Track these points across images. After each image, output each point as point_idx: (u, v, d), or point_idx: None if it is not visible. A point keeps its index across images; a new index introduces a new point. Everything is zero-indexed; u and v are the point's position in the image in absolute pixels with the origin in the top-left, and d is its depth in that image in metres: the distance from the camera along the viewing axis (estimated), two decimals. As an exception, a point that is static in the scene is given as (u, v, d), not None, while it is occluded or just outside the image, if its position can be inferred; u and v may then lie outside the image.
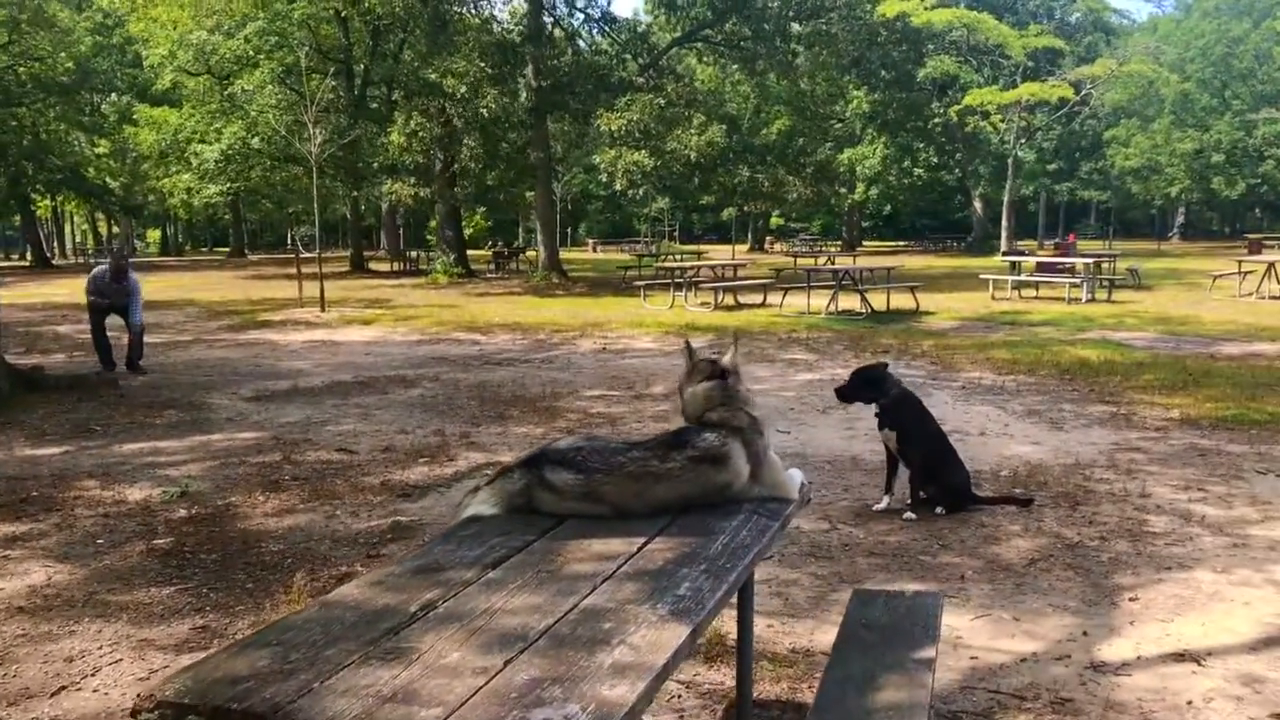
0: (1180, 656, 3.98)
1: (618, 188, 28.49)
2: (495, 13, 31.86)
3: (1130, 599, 4.55)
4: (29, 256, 47.68)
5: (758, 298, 21.65)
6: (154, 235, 79.30)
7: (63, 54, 46.84)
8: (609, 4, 71.21)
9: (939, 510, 5.79)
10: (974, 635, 4.18)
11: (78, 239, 73.68)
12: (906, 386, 6.19)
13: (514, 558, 2.48)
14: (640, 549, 2.55)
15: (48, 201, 56.68)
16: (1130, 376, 10.59)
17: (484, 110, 25.00)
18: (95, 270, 12.44)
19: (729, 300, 20.92)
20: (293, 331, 16.30)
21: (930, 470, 5.80)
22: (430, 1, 27.99)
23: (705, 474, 2.85)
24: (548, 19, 30.95)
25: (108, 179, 52.91)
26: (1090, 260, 23.39)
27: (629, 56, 30.90)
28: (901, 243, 67.71)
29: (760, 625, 4.25)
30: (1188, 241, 63.96)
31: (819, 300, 19.11)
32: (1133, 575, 4.85)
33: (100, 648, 4.03)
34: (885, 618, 3.14)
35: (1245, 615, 4.38)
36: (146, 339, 12.49)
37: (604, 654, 1.91)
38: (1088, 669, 3.87)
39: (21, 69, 45.57)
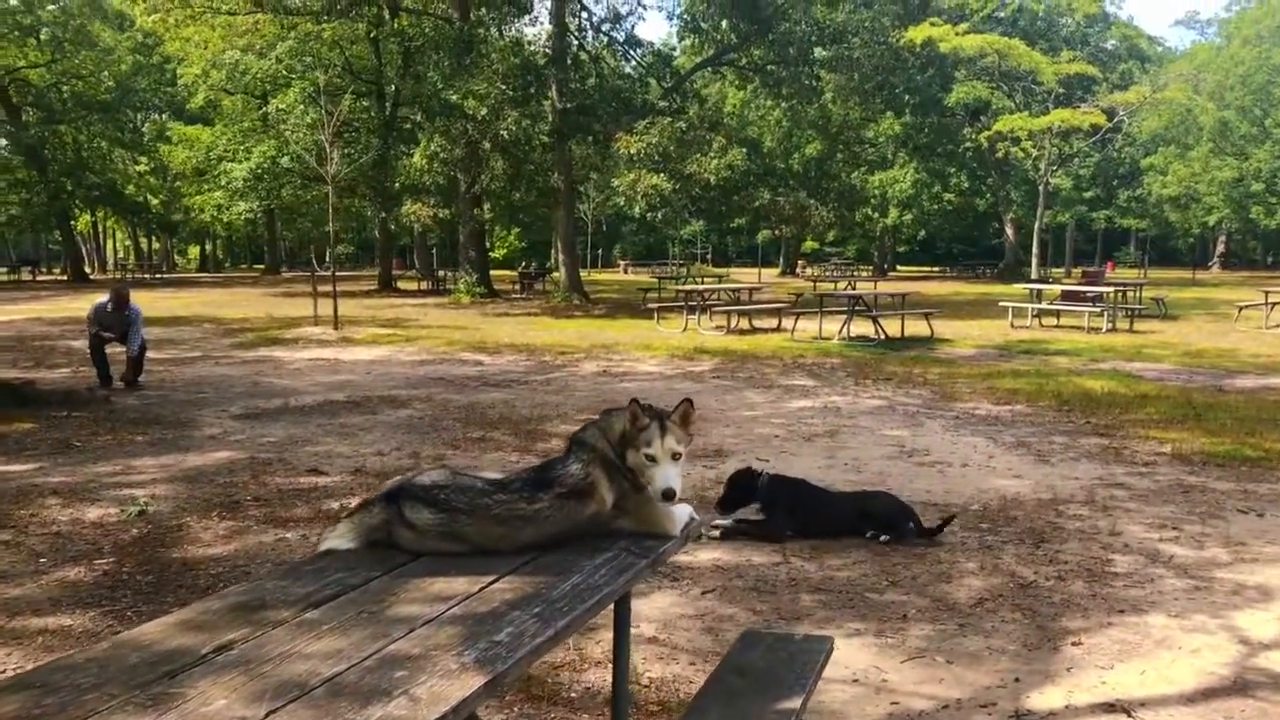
0: (1111, 707, 3.82)
1: (636, 211, 28.49)
2: (521, 35, 31.93)
3: (1073, 643, 4.39)
4: (68, 271, 48.35)
5: (773, 322, 21.49)
6: (193, 251, 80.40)
7: (104, 73, 47.75)
8: (633, 28, 71.73)
9: (883, 538, 5.70)
10: (901, 679, 4.04)
11: (119, 254, 74.71)
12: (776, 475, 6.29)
13: (344, 596, 2.39)
14: (482, 589, 2.45)
15: (87, 217, 57.60)
16: (1131, 409, 10.36)
17: (504, 132, 25.09)
18: (97, 302, 12.47)
19: (743, 324, 20.79)
20: (300, 350, 16.35)
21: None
22: (457, 23, 28.24)
23: (573, 509, 2.75)
24: (573, 41, 31.07)
25: (148, 196, 53.74)
26: (1113, 289, 23.02)
27: (652, 80, 30.95)
28: (935, 268, 67.26)
29: (675, 668, 4.14)
30: (1228, 271, 63.02)
31: (833, 325, 18.94)
32: (1082, 618, 4.68)
33: (2, 673, 3.98)
34: (763, 663, 3.02)
35: (1189, 664, 4.20)
36: (154, 355, 12.56)
37: (377, 706, 1.81)
38: (1011, 718, 3.72)
39: (65, 87, 46.47)
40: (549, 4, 30.28)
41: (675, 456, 2.78)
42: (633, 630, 4.46)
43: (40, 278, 48.49)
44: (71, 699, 1.81)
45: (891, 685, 3.98)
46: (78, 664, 1.99)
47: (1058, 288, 26.18)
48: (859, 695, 3.89)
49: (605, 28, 32.46)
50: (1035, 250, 46.66)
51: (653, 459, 2.76)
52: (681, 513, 2.98)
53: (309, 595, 2.39)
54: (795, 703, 2.73)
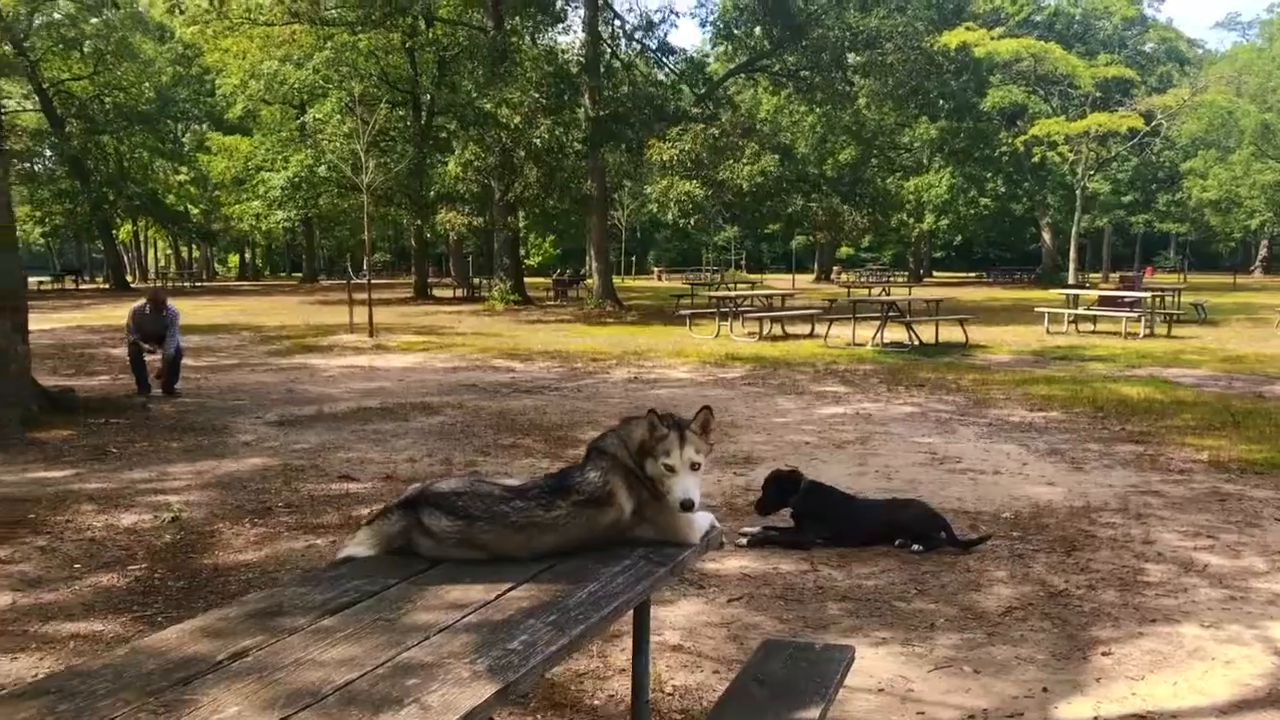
0: (1141, 718, 3.76)
1: (669, 217, 28.53)
2: (554, 44, 32.07)
3: (1103, 653, 4.33)
4: (110, 279, 49.08)
5: (806, 328, 21.41)
6: (233, 260, 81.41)
7: (145, 84, 48.47)
8: (666, 35, 71.68)
9: (915, 548, 5.65)
10: (927, 688, 4.00)
11: (160, 262, 75.69)
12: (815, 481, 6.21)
13: (360, 603, 2.40)
14: (498, 597, 2.46)
15: (129, 226, 58.43)
16: (1167, 416, 10.22)
17: (537, 140, 25.20)
18: (135, 306, 12.64)
19: (776, 330, 20.73)
20: (335, 357, 16.48)
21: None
22: (491, 32, 28.41)
23: (591, 517, 2.75)
24: (606, 49, 31.15)
25: (188, 205, 54.45)
26: (1151, 294, 22.74)
27: (685, 86, 30.96)
28: (971, 274, 66.78)
29: (699, 676, 4.12)
30: (1270, 276, 62.11)
31: (867, 332, 18.84)
32: (1113, 628, 4.61)
33: (34, 677, 4.03)
34: (783, 672, 3.00)
35: (1223, 676, 4.13)
36: (191, 362, 12.69)
37: (388, 714, 1.82)
38: (1038, 729, 3.68)
39: (107, 98, 47.24)
40: (582, 12, 30.41)
41: (694, 466, 2.77)
42: (657, 638, 4.46)
43: (83, 286, 49.23)
44: (86, 705, 1.83)
45: (917, 695, 3.94)
46: (94, 670, 2.01)
47: (1094, 293, 25.92)
48: (884, 705, 3.86)
49: (638, 35, 32.54)
50: (1072, 255, 46.22)
51: (671, 469, 2.75)
52: (702, 521, 2.96)
53: (326, 602, 2.40)
54: (814, 712, 2.71)
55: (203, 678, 1.97)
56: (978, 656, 4.30)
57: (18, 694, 1.91)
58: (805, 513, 5.93)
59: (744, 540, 5.90)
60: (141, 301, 12.64)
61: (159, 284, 50.79)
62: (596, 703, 3.87)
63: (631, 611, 3.05)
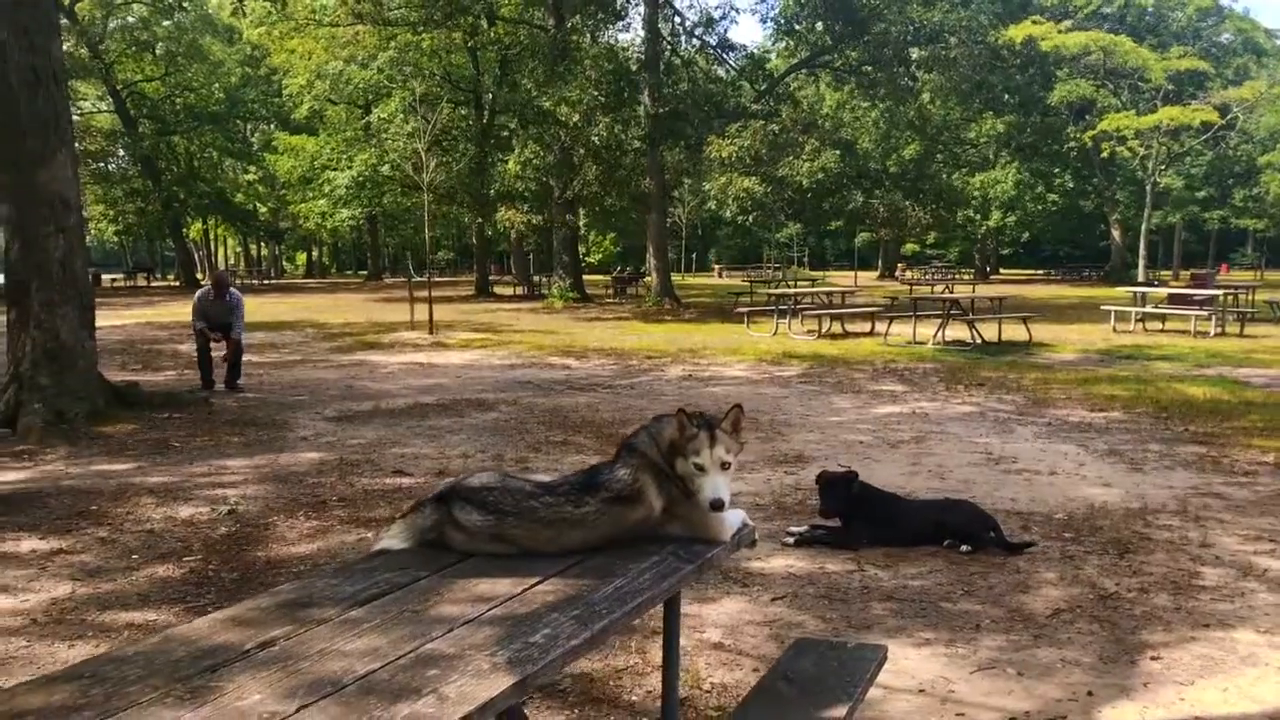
0: (1188, 725, 3.69)
1: (728, 214, 28.46)
2: (614, 42, 32.14)
3: (1152, 657, 4.25)
4: (180, 276, 50.20)
5: (866, 326, 21.24)
6: (300, 258, 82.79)
7: (215, 85, 49.52)
8: (725, 31, 71.35)
9: (963, 549, 5.59)
10: (969, 689, 3.96)
11: (229, 260, 77.21)
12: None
13: (389, 595, 2.44)
14: (524, 591, 2.48)
15: (199, 224, 59.72)
16: (1234, 416, 9.98)
17: (595, 138, 25.28)
18: (199, 291, 12.96)
19: (835, 328, 20.58)
20: (395, 354, 16.70)
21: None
22: (552, 30, 28.56)
23: (620, 514, 2.76)
24: (665, 46, 31.14)
25: (256, 204, 55.51)
26: (1223, 292, 22.17)
27: (745, 83, 30.84)
28: (1039, 271, 65.70)
29: (737, 674, 4.12)
30: (1353, 273, 60.25)
31: (929, 330, 18.64)
32: (1164, 631, 4.52)
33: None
34: (813, 670, 2.98)
35: (1277, 682, 4.03)
36: (255, 358, 12.95)
37: (405, 704, 1.85)
38: (1081, 734, 3.62)
39: (178, 99, 48.33)
40: (642, 10, 30.43)
41: (724, 465, 2.77)
42: (699, 635, 4.48)
43: (154, 283, 50.40)
44: (116, 690, 1.89)
45: (958, 696, 3.90)
46: (127, 656, 2.07)
47: (1163, 290, 25.34)
48: (923, 705, 3.83)
49: (698, 32, 32.48)
50: (1142, 252, 45.23)
51: (701, 468, 2.75)
52: (733, 519, 2.95)
53: (356, 594, 2.45)
54: (841, 711, 2.69)
55: (229, 665, 2.02)
56: (1022, 659, 4.25)
57: (54, 678, 1.98)
58: (853, 513, 5.89)
59: (791, 540, 5.87)
60: (206, 286, 12.95)
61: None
62: (634, 698, 3.89)
63: (665, 608, 3.09)
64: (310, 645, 2.13)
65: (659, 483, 2.79)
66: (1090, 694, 3.91)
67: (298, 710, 1.82)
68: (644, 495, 2.77)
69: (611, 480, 2.77)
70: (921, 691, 3.95)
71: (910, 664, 4.19)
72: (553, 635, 2.21)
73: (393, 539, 2.83)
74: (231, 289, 12.80)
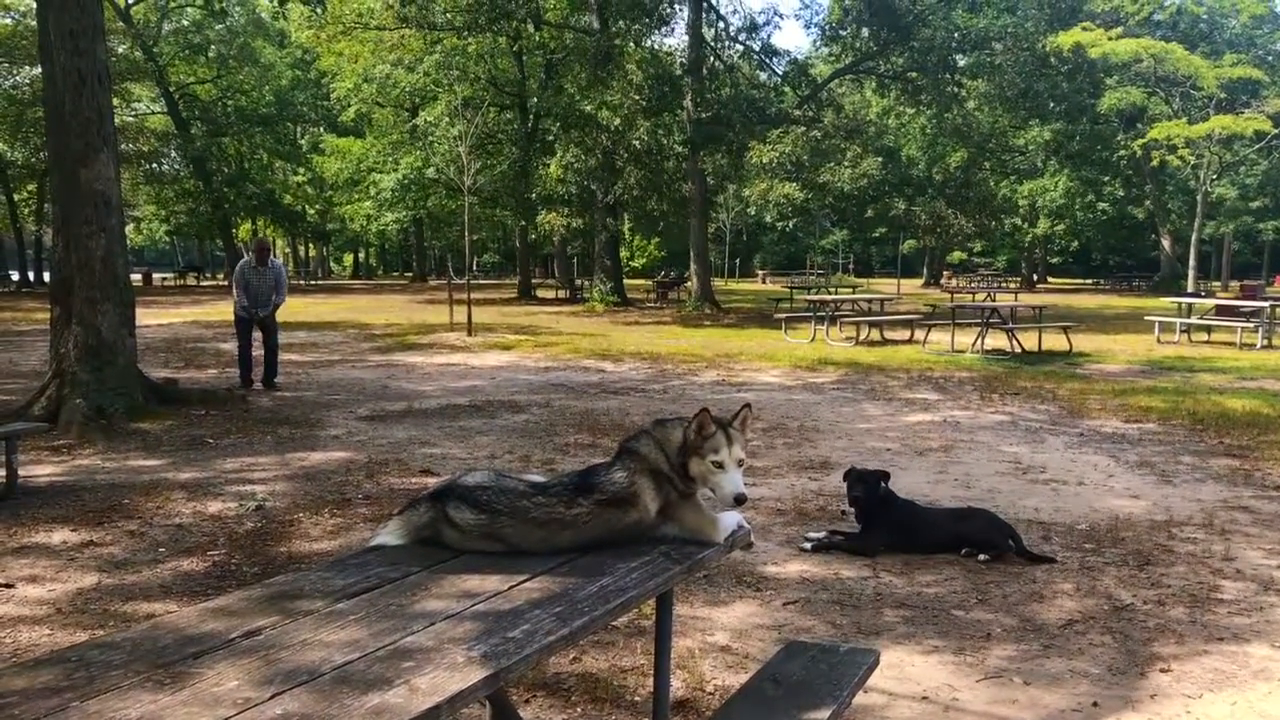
0: (1193, 739, 3.66)
1: (768, 219, 28.40)
2: (658, 46, 32.18)
3: (1162, 670, 4.21)
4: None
5: (905, 334, 21.10)
6: (348, 259, 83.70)
7: (265, 87, 50.26)
8: (769, 37, 70.88)
9: (981, 557, 5.56)
10: (972, 698, 3.95)
11: (278, 260, 78.06)
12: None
13: (378, 589, 2.49)
14: (511, 587, 2.52)
15: (248, 224, 60.58)
16: (1271, 430, 9.81)
17: (636, 142, 25.35)
18: (241, 261, 13.12)
19: (874, 335, 20.48)
20: (433, 355, 16.85)
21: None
22: (597, 34, 28.67)
23: (613, 517, 2.80)
24: (709, 51, 31.14)
25: (304, 205, 56.23)
26: (1270, 304, 21.77)
27: (788, 89, 30.76)
28: (1088, 281, 64.86)
29: (742, 676, 4.13)
30: None
31: (969, 338, 18.49)
32: (1176, 644, 4.48)
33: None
34: (801, 672, 2.99)
35: (1288, 699, 3.98)
36: (295, 358, 13.11)
37: (376, 695, 1.89)
38: (1083, 745, 3.60)
39: (229, 101, 49.09)
40: (686, 15, 30.48)
41: (740, 463, 2.81)
42: (706, 637, 4.50)
43: (203, 283, 51.19)
44: (99, 673, 1.95)
45: (961, 704, 3.89)
46: (115, 642, 2.14)
47: (1210, 301, 24.94)
48: (925, 713, 3.82)
49: (741, 37, 32.44)
50: (1192, 262, 44.51)
51: (720, 465, 2.78)
52: (728, 520, 2.98)
53: (346, 587, 2.50)
54: (824, 713, 2.70)
55: (213, 653, 2.08)
56: (1030, 668, 4.23)
57: (42, 661, 2.05)
58: (874, 514, 5.88)
59: (808, 545, 5.87)
60: (247, 256, 13.10)
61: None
62: (637, 699, 3.92)
63: (657, 608, 3.12)
64: (294, 635, 2.19)
65: (656, 486, 2.82)
66: (1095, 705, 3.89)
67: (271, 697, 1.87)
68: (639, 499, 2.80)
69: (606, 483, 2.80)
70: (924, 698, 3.94)
71: (916, 670, 4.18)
72: (531, 631, 2.25)
73: (389, 535, 2.88)
74: (274, 258, 13.01)
